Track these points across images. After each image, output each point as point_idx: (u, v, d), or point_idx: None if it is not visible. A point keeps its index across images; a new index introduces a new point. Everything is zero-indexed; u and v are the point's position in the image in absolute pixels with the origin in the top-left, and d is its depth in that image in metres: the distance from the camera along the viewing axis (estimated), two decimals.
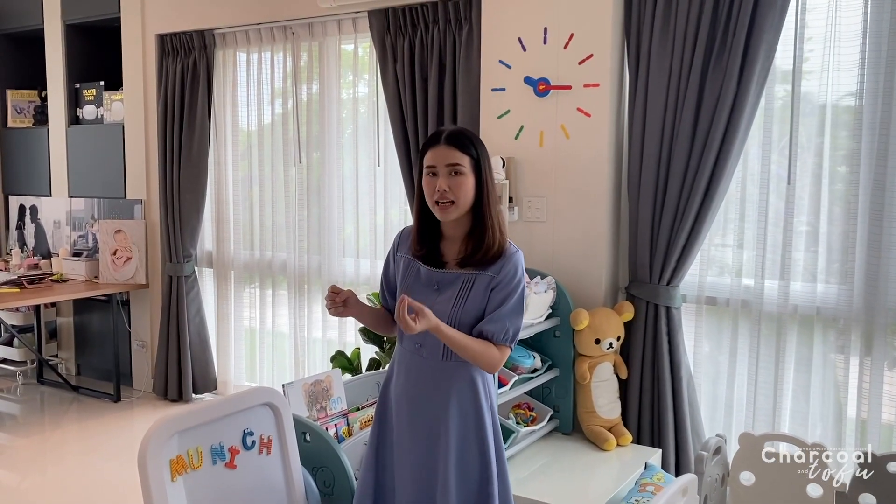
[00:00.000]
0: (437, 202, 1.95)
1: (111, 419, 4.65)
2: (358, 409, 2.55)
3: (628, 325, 3.26)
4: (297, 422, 2.19)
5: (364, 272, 4.26)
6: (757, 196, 3.17)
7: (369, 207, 4.19)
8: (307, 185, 4.40)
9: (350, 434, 2.45)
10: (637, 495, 2.57)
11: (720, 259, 3.33)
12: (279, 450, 2.05)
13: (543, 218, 3.38)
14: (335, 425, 2.42)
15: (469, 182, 1.95)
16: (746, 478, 2.59)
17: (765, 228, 3.16)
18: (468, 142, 1.97)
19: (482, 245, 1.96)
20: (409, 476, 1.98)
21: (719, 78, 3.02)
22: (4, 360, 5.47)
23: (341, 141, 4.28)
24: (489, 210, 1.98)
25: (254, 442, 1.97)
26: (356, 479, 2.22)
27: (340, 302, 2.00)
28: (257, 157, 4.61)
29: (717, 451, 2.53)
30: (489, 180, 1.99)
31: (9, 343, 5.41)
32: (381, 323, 2.17)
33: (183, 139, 4.61)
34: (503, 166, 3.34)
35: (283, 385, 2.39)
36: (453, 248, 2.02)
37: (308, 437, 2.21)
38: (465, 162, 1.94)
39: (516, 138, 3.41)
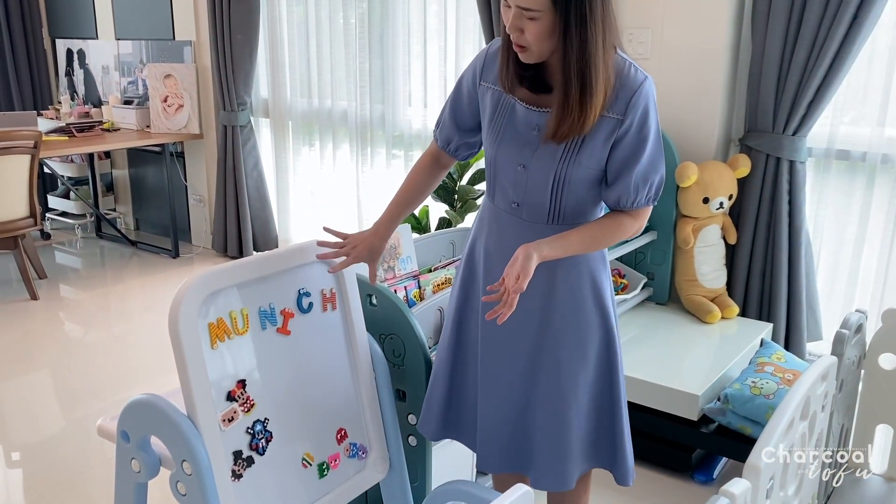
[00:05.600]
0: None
1: (171, 274, 4.50)
2: (430, 271, 2.21)
3: (741, 183, 2.79)
4: (362, 283, 1.86)
5: (433, 124, 3.82)
6: None
7: (439, 48, 3.70)
8: (369, 27, 3.90)
9: (421, 298, 2.12)
10: (754, 376, 2.21)
11: (860, 107, 2.78)
12: (342, 312, 1.74)
13: (648, 54, 2.85)
14: (405, 288, 2.09)
15: (545, 26, 1.38)
16: (888, 360, 2.19)
17: None
18: None
19: (566, 119, 1.42)
20: (498, 354, 1.63)
21: None
22: (64, 214, 5.34)
23: None
24: (580, 60, 1.38)
25: (311, 304, 1.66)
26: (430, 350, 1.91)
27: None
28: None
29: (858, 329, 2.12)
30: (587, 17, 1.36)
31: (66, 196, 5.25)
32: (420, 198, 1.77)
33: None
34: None
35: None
36: (559, 77, 1.47)
37: (374, 301, 1.89)
38: (537, 4, 1.36)
39: None
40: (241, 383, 1.52)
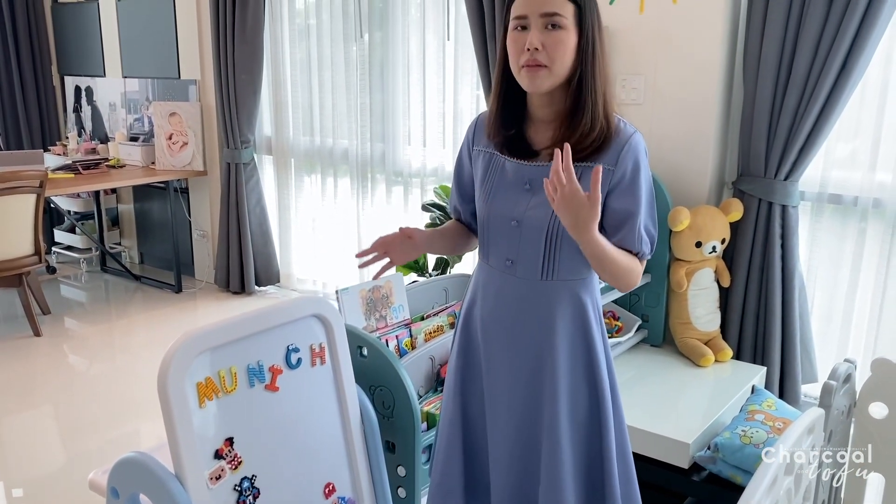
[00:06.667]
0: (524, 65, 1.47)
1: (175, 309, 4.54)
2: (422, 319, 2.24)
3: (734, 227, 2.82)
4: (353, 334, 1.89)
5: (431, 163, 3.88)
6: None
7: (438, 89, 3.76)
8: (369, 66, 3.98)
9: (413, 347, 2.15)
10: (744, 424, 2.22)
11: (851, 149, 2.81)
12: (331, 366, 1.76)
13: (641, 100, 2.89)
14: (396, 337, 2.11)
15: (570, 39, 1.45)
16: (878, 410, 2.19)
17: None
18: None
19: (576, 130, 1.48)
20: (504, 421, 1.64)
21: None
22: (69, 248, 5.40)
23: (407, 18, 3.81)
24: (593, 81, 1.47)
25: (299, 360, 1.69)
26: (419, 399, 1.93)
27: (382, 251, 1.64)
28: (315, 34, 4.19)
29: (847, 379, 2.13)
30: (596, 38, 1.48)
31: (71, 230, 5.32)
32: (457, 243, 1.77)
33: (237, 13, 4.22)
34: None
35: (337, 291, 2.08)
36: (543, 133, 1.55)
37: (365, 352, 1.91)
38: (566, 11, 1.44)
39: (611, 3, 2.89)
40: (229, 441, 1.54)
